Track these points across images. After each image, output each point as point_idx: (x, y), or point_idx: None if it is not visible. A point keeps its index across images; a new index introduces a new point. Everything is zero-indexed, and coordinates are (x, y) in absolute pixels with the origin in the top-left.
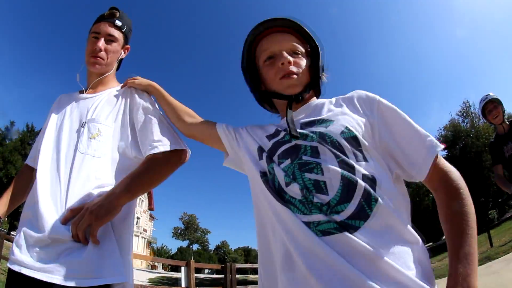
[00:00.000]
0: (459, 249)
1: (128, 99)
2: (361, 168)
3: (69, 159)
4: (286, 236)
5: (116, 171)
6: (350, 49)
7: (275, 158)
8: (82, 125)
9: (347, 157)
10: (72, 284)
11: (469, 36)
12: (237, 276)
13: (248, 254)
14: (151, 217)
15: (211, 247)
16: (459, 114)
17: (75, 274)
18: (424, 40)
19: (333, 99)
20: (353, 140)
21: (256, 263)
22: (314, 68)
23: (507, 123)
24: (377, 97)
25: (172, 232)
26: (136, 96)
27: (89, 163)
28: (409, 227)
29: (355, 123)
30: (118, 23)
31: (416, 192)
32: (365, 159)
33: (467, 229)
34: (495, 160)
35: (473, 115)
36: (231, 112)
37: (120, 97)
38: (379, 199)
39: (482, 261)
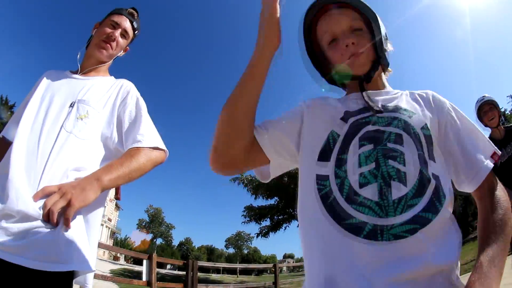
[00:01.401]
0: (489, 249)
1: (121, 91)
2: (431, 167)
3: (53, 135)
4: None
5: (95, 157)
6: None
7: (357, 139)
8: (71, 104)
9: (423, 152)
10: (36, 267)
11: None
12: (199, 274)
13: (211, 253)
14: (117, 207)
15: (175, 242)
16: None
17: (40, 256)
18: (413, 52)
19: (407, 92)
20: (429, 138)
21: (218, 262)
22: (377, 42)
23: (503, 128)
24: (448, 102)
25: (137, 224)
26: (130, 90)
27: (72, 142)
28: (454, 219)
29: (431, 122)
30: (135, 24)
31: None
32: (434, 160)
33: (503, 236)
34: None
35: None
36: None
37: (113, 87)
38: (446, 198)
39: None
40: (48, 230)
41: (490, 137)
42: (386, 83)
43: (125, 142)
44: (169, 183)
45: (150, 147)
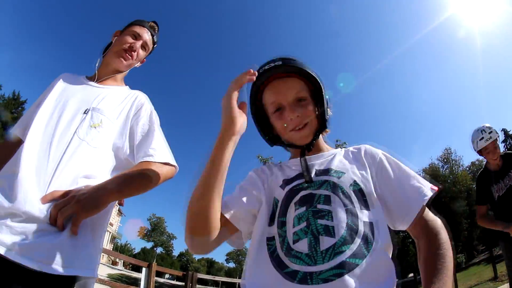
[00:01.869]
0: (438, 280)
1: (135, 103)
2: (363, 216)
3: (65, 140)
4: None
5: (106, 166)
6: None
7: (292, 204)
8: (85, 111)
9: (353, 206)
10: (38, 268)
11: (459, 83)
12: (198, 286)
13: (211, 266)
14: (120, 212)
15: (175, 253)
16: (440, 159)
17: (44, 259)
18: (415, 83)
19: (342, 151)
20: (359, 192)
21: (218, 275)
22: (320, 111)
23: (500, 158)
24: (380, 152)
25: (138, 231)
26: (144, 103)
27: (84, 150)
28: (391, 262)
29: (362, 176)
30: (155, 38)
31: None
32: (368, 208)
33: (442, 269)
34: (481, 199)
35: (453, 162)
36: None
37: (128, 98)
38: (375, 242)
39: None
40: (54, 233)
41: (486, 169)
42: (324, 144)
43: (136, 155)
44: (173, 193)
45: (161, 162)
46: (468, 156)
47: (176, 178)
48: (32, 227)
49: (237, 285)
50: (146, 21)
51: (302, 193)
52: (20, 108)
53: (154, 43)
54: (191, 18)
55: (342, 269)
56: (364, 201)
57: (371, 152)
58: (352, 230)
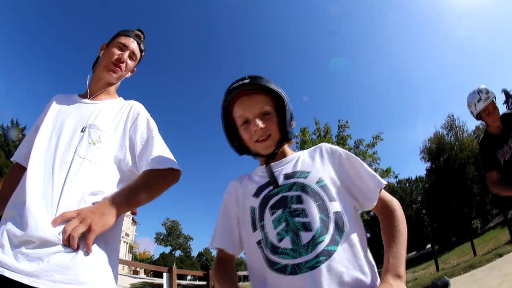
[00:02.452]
0: (391, 248)
1: (131, 113)
2: (332, 207)
3: (67, 161)
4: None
5: (110, 180)
6: (339, 55)
7: (267, 209)
8: (82, 129)
9: (322, 201)
10: None
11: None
12: None
13: None
14: (134, 222)
15: (194, 253)
16: (444, 127)
17: (63, 279)
18: (413, 51)
19: (305, 153)
20: (325, 187)
21: (239, 271)
22: (283, 124)
23: (500, 120)
24: (339, 149)
25: (155, 237)
26: (140, 112)
27: (87, 168)
28: (360, 243)
29: (325, 172)
30: (142, 47)
31: (400, 202)
32: (334, 199)
33: (397, 236)
34: (488, 165)
35: (457, 128)
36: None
37: (122, 109)
38: (345, 228)
39: (465, 270)
40: (68, 254)
41: (486, 133)
42: (288, 150)
43: (138, 164)
44: (184, 195)
45: (164, 169)
46: (471, 121)
47: (184, 179)
48: (47, 251)
49: None
50: (131, 30)
51: (275, 198)
52: (21, 135)
53: (141, 51)
54: (180, 18)
55: (324, 256)
56: (330, 194)
57: (331, 149)
58: (325, 222)
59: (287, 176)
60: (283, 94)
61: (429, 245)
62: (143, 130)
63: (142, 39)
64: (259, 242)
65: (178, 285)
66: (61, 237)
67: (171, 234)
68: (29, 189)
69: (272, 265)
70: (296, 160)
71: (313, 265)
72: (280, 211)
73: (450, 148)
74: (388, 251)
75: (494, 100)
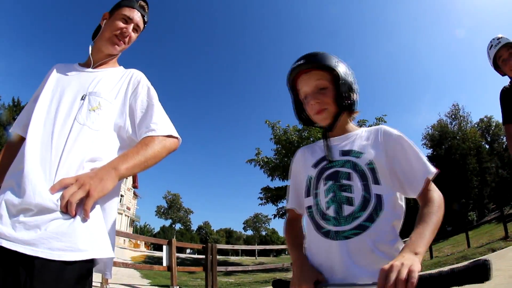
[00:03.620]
0: (417, 229)
1: (131, 81)
2: (375, 189)
3: (66, 128)
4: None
5: (110, 147)
6: (346, 42)
7: (322, 179)
8: (82, 97)
9: (368, 182)
10: (57, 257)
11: (467, 39)
12: (218, 257)
13: (230, 236)
14: (135, 195)
15: (194, 227)
16: (448, 115)
17: (61, 246)
18: (422, 38)
19: (364, 132)
20: (373, 170)
21: (237, 244)
22: (339, 97)
23: None
24: (394, 133)
25: (155, 211)
26: (140, 80)
27: (87, 134)
28: (394, 226)
29: (376, 156)
30: (146, 18)
31: None
32: (378, 183)
33: (428, 221)
34: (508, 116)
35: (461, 118)
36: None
37: (123, 77)
38: (382, 210)
39: (458, 260)
40: (66, 220)
41: (510, 86)
42: (349, 125)
43: (138, 131)
44: (185, 168)
45: (164, 135)
46: (476, 113)
47: (187, 153)
48: (45, 218)
49: (256, 252)
50: (135, 1)
51: (329, 171)
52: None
53: (145, 22)
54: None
55: (359, 229)
56: (376, 177)
57: (388, 133)
58: (366, 201)
59: (343, 153)
60: (338, 70)
61: (450, 228)
62: (143, 98)
63: (146, 10)
64: (309, 207)
65: (177, 258)
66: (59, 203)
67: (172, 208)
68: (27, 157)
69: (319, 228)
70: (354, 138)
71: (348, 235)
72: (331, 183)
73: (452, 137)
74: (414, 231)
75: (510, 45)
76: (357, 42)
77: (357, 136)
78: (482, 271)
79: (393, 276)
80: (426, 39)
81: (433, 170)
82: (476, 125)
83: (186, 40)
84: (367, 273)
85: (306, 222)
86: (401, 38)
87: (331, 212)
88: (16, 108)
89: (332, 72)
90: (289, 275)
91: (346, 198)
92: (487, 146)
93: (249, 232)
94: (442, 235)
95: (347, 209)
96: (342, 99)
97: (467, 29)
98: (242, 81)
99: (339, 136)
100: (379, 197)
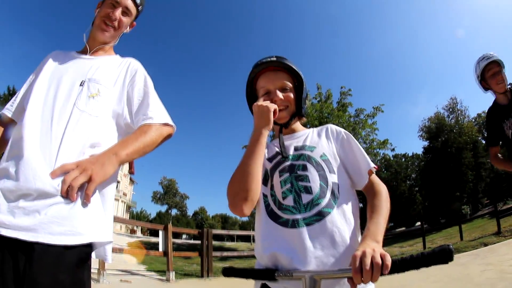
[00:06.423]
0: (372, 219)
1: (129, 69)
2: (331, 178)
3: (65, 114)
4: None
5: (109, 134)
6: (345, 32)
7: (277, 172)
8: (81, 83)
9: (323, 171)
10: (58, 242)
11: (467, 34)
12: (214, 242)
13: (225, 221)
14: (131, 181)
15: (190, 212)
16: (445, 108)
17: (61, 231)
18: (424, 26)
19: (314, 130)
20: (327, 161)
21: (233, 229)
22: (299, 100)
23: (509, 90)
24: (342, 131)
25: (152, 196)
26: (138, 69)
27: (86, 120)
28: (352, 212)
29: (328, 149)
30: (138, 1)
31: (394, 176)
32: (333, 172)
33: (380, 211)
34: (493, 139)
35: (459, 112)
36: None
37: (121, 65)
38: (339, 196)
39: None
40: (67, 205)
41: (495, 103)
42: (299, 126)
43: (135, 119)
44: (181, 154)
45: (160, 123)
46: (474, 108)
47: (182, 138)
48: (45, 203)
49: (251, 237)
50: None
51: (284, 164)
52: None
53: (137, 5)
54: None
55: (320, 216)
56: (330, 167)
57: (336, 131)
58: (324, 188)
59: (296, 148)
60: (302, 76)
61: (418, 223)
62: (140, 86)
63: None
64: (264, 196)
65: (173, 243)
66: (59, 188)
67: (168, 193)
68: (26, 142)
69: (276, 218)
70: (306, 136)
71: (310, 222)
72: (287, 174)
73: (449, 130)
74: (369, 221)
75: (500, 63)
76: (357, 28)
77: (308, 134)
78: (447, 254)
79: (367, 261)
80: (426, 29)
81: (373, 164)
82: (473, 120)
83: (186, 32)
84: (331, 257)
85: (260, 211)
86: (403, 30)
87: (289, 201)
88: (11, 97)
89: (296, 78)
90: None
91: (304, 187)
92: (484, 142)
93: (245, 218)
94: (435, 226)
95: (305, 197)
96: (303, 102)
97: (467, 29)
98: (242, 68)
99: (290, 134)
100: (336, 185)
